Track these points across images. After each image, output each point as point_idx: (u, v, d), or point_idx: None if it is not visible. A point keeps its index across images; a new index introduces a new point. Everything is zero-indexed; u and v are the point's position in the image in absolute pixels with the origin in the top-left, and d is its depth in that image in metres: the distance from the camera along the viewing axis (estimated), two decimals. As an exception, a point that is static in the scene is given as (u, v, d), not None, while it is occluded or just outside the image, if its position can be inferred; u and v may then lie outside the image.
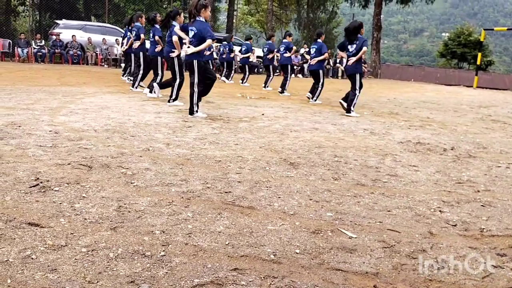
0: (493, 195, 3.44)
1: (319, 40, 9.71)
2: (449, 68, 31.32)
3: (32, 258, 1.97)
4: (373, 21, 27.93)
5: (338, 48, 7.89)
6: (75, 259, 1.99)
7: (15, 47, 17.37)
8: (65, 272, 1.88)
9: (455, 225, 2.75)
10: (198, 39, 6.06)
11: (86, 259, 2.00)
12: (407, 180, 3.70)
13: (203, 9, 6.03)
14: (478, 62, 24.14)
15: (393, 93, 14.13)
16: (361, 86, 7.69)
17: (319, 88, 9.61)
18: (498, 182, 3.84)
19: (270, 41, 12.76)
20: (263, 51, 13.10)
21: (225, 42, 14.60)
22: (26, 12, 24.90)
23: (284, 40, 12.02)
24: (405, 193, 3.36)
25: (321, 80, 9.60)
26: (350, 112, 7.65)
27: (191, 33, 6.15)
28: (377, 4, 27.29)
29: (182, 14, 7.55)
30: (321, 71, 9.66)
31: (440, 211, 2.99)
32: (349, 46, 7.71)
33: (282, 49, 11.66)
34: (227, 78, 14.27)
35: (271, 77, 12.53)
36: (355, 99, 7.69)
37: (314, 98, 9.70)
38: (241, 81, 13.67)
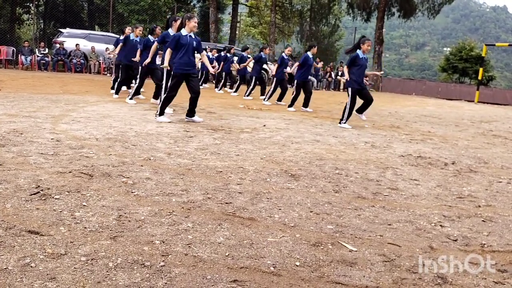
0: (494, 211, 3.43)
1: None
2: (450, 82, 31.37)
3: (31, 266, 1.96)
4: (375, 34, 28.13)
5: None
6: (74, 268, 1.99)
7: (19, 55, 17.48)
8: (64, 280, 1.87)
9: (455, 240, 2.74)
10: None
11: (85, 268, 1.99)
12: (408, 194, 3.70)
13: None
14: (480, 77, 24.22)
15: (395, 107, 14.16)
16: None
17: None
18: (499, 198, 3.83)
19: (244, 53, 13.80)
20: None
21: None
22: (30, 20, 25.06)
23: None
24: (406, 207, 3.35)
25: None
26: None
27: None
28: (379, 18, 27.54)
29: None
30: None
31: (440, 225, 2.99)
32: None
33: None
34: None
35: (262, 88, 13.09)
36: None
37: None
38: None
